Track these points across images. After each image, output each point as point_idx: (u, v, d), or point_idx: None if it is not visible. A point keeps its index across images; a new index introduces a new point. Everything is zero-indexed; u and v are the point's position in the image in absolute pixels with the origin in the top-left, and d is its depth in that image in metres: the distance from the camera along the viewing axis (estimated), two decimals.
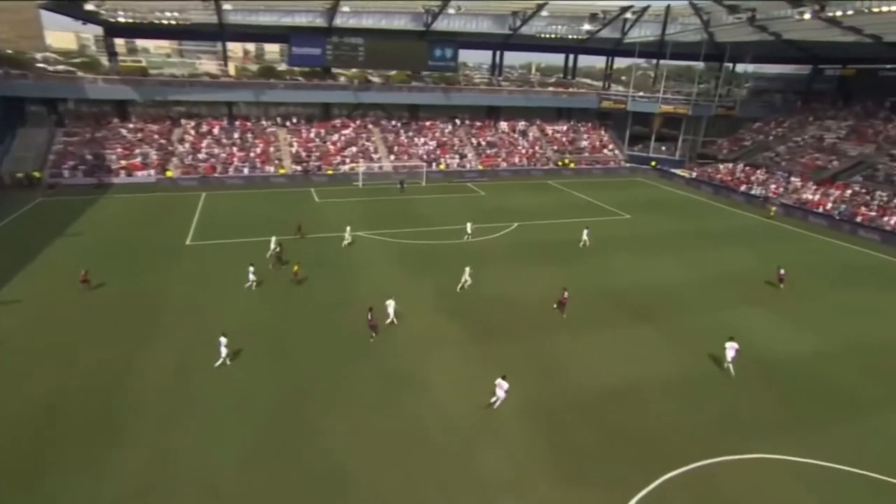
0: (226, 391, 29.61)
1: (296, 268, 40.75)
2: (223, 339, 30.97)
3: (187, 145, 74.89)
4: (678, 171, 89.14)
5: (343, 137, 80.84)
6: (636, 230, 57.04)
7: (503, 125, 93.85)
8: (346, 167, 74.15)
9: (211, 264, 42.36)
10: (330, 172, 73.16)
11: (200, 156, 73.65)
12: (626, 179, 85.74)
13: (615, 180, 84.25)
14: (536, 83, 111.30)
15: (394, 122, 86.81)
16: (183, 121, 78.33)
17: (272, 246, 43.55)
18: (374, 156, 79.48)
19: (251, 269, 38.58)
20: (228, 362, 30.80)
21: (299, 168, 73.82)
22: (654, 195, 75.03)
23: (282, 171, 71.69)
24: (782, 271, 43.86)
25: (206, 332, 34.01)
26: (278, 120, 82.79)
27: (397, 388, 30.95)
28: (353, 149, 79.68)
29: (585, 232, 50.77)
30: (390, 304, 35.07)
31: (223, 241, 47.33)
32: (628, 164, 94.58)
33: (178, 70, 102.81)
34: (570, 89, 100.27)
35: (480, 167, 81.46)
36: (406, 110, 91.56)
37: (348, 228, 48.92)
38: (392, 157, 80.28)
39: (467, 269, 39.67)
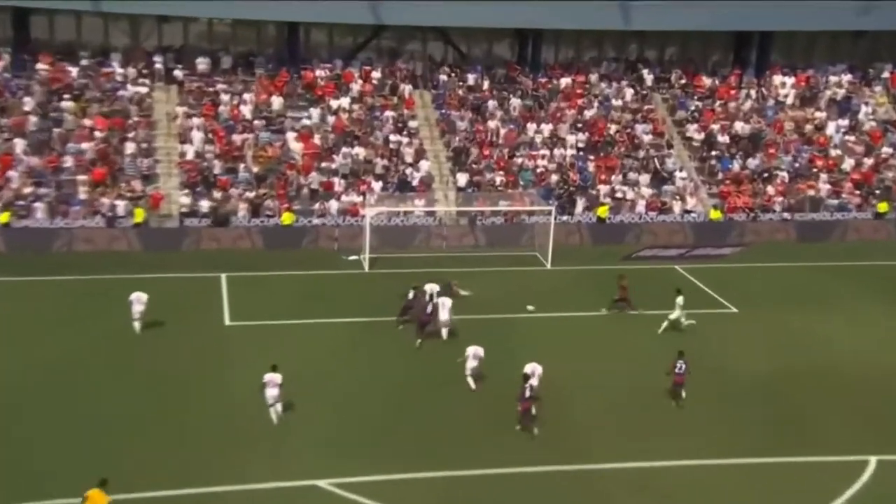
0: None
1: None
2: None
3: None
4: None
5: (330, 116, 39.20)
6: None
7: (782, 82, 44.72)
8: (329, 205, 36.36)
9: None
10: (288, 222, 35.30)
11: None
12: None
13: None
14: None
15: (473, 78, 42.72)
16: None
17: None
18: (410, 173, 38.10)
19: None
20: None
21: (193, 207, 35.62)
22: None
23: (138, 219, 34.36)
24: None
25: None
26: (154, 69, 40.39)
27: None
28: (354, 154, 38.10)
29: None
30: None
31: None
32: None
33: None
34: None
35: (714, 211, 38.06)
36: (507, 44, 47.47)
37: None
38: (462, 176, 38.36)
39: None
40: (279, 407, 20.08)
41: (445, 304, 25.00)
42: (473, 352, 22.03)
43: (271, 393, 20.13)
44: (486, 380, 22.84)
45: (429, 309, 24.94)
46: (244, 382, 21.32)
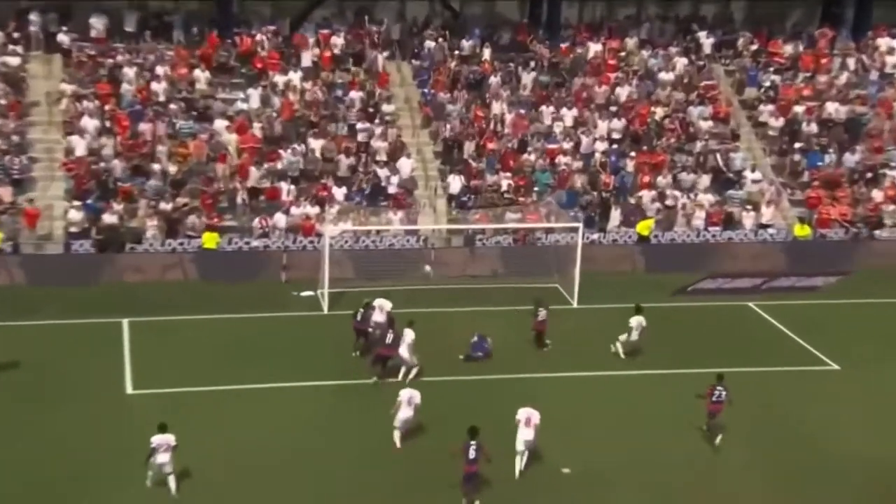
0: None
1: None
2: None
3: None
4: None
5: (275, 97, 40.62)
6: None
7: (889, 48, 46.28)
8: (275, 220, 37.06)
9: None
10: (210, 244, 36.27)
11: None
12: None
13: None
14: None
15: (469, 46, 43.58)
16: None
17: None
18: (384, 175, 39.09)
19: None
20: None
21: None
22: None
23: None
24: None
25: None
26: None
27: None
28: (308, 149, 39.04)
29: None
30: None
31: None
32: None
33: None
34: None
35: (800, 225, 39.67)
36: None
37: None
38: (456, 180, 39.24)
39: None
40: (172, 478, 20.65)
41: (406, 337, 25.98)
42: (408, 397, 22.26)
43: (163, 459, 20.17)
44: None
45: (388, 338, 25.71)
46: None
